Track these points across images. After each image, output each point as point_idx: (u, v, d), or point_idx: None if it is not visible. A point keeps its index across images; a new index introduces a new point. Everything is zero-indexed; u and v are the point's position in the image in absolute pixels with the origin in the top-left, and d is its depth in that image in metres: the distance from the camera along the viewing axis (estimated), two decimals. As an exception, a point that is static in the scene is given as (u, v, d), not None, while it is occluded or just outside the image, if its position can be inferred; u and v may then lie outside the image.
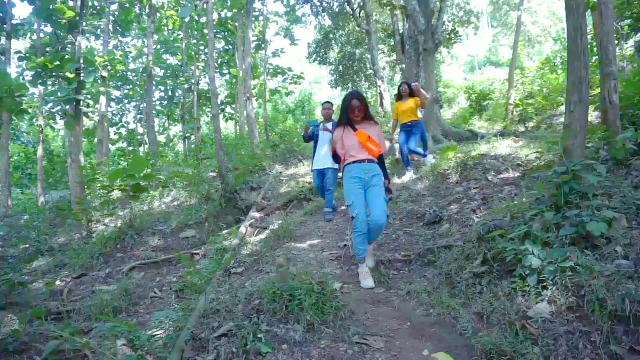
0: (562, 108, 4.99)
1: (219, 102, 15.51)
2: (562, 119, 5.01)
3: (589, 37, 6.30)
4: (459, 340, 2.87)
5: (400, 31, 15.41)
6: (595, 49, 6.20)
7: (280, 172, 10.63)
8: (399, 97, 7.58)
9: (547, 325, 2.65)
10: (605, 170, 3.73)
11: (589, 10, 5.68)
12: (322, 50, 21.93)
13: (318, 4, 18.97)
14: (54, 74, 8.81)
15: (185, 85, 18.32)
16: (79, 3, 9.01)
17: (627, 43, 9.86)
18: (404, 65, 12.89)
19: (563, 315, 2.68)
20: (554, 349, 2.50)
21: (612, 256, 2.94)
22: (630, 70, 7.98)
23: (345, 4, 17.78)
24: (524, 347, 2.52)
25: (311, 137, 6.43)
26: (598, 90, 5.95)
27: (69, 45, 9.37)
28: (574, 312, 2.67)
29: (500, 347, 2.59)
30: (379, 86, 16.27)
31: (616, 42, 7.07)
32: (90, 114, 13.60)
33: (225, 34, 17.91)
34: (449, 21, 16.87)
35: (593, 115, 7.29)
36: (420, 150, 7.54)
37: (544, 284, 2.91)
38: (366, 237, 3.89)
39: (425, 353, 2.73)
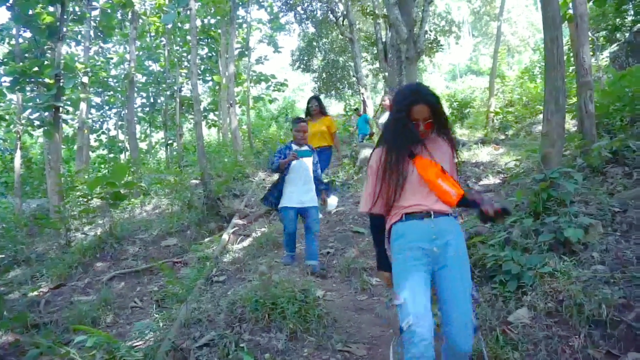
0: (541, 116, 5.12)
1: (201, 109, 15.40)
2: (540, 127, 5.13)
3: (565, 48, 6.48)
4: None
5: (383, 40, 15.58)
6: (572, 59, 6.36)
7: (264, 180, 10.58)
8: (308, 113, 6.33)
9: (527, 331, 2.69)
10: (582, 177, 3.83)
11: (566, 22, 5.85)
12: (306, 58, 22.03)
13: (302, 12, 19.08)
14: (32, 80, 8.64)
15: (168, 92, 18.15)
16: (59, 9, 8.88)
17: (602, 54, 10.15)
18: (386, 74, 13.02)
19: (542, 320, 2.72)
20: (533, 353, 2.54)
21: (589, 262, 3.01)
22: (606, 81, 8.20)
23: (329, 12, 17.92)
24: (504, 352, 2.56)
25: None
26: (575, 99, 6.10)
27: (49, 51, 9.21)
28: (553, 317, 2.72)
29: (482, 352, 2.61)
30: (362, 94, 16.39)
31: (592, 53, 7.27)
32: (70, 120, 13.38)
33: (209, 40, 17.82)
34: (431, 30, 17.14)
35: (570, 124, 7.47)
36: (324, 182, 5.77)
37: (524, 289, 2.96)
38: None
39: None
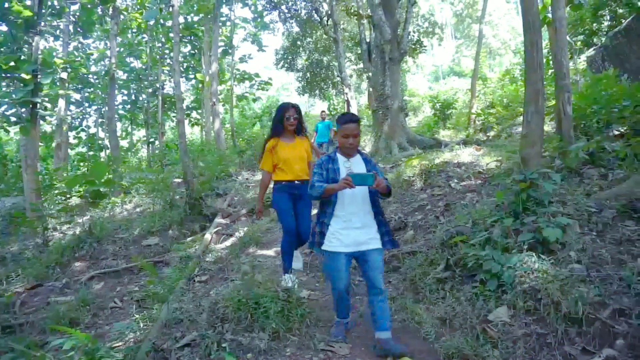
0: (522, 118, 5.22)
1: (184, 107, 15.24)
2: (521, 129, 5.22)
3: (545, 51, 6.60)
4: (422, 345, 2.92)
5: (367, 40, 15.63)
6: (551, 62, 6.50)
7: (247, 179, 10.53)
8: (278, 129, 3.96)
9: (506, 329, 2.73)
10: (560, 178, 3.90)
11: (545, 26, 5.97)
12: (290, 57, 21.97)
13: (286, 11, 19.02)
14: (8, 75, 8.42)
15: (150, 90, 17.92)
16: (36, 2, 8.67)
17: (580, 58, 10.39)
18: (370, 74, 13.08)
19: (521, 318, 2.77)
20: (512, 351, 2.58)
21: (567, 261, 3.07)
22: (583, 84, 8.40)
23: (313, 12, 17.91)
24: (484, 351, 2.60)
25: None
26: (554, 102, 6.23)
27: (26, 46, 8.99)
28: (532, 315, 2.77)
29: (462, 351, 2.66)
30: (346, 94, 16.44)
31: (570, 56, 7.44)
32: (48, 117, 13.07)
33: (192, 38, 17.65)
34: (415, 32, 17.29)
35: (549, 126, 7.62)
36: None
37: (504, 288, 3.01)
38: None
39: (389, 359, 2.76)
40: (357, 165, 2.88)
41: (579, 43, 10.72)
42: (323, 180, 2.82)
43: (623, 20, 9.30)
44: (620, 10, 9.88)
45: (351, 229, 2.81)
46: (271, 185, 4.04)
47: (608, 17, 10.41)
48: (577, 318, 2.59)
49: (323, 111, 13.89)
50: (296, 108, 3.92)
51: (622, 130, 5.68)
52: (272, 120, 3.98)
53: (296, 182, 3.86)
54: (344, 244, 2.81)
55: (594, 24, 10.70)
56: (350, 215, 2.82)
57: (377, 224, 2.87)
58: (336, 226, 2.83)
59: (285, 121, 3.82)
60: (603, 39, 9.91)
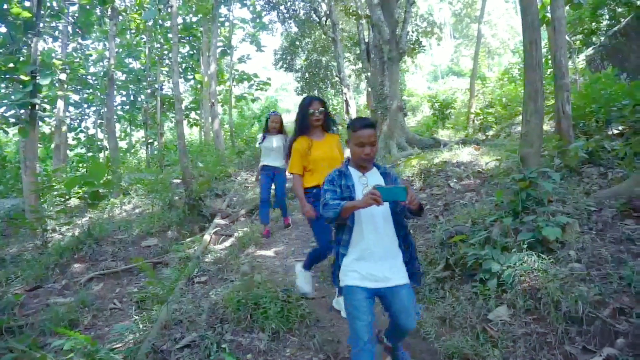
0: (521, 117, 5.22)
1: (183, 108, 15.23)
2: (520, 128, 5.23)
3: (544, 50, 6.60)
4: (422, 344, 2.92)
5: (366, 40, 15.63)
6: (550, 62, 6.50)
7: (246, 179, 10.52)
8: (305, 125, 3.55)
9: (506, 328, 2.73)
10: (559, 177, 3.91)
11: (544, 25, 5.98)
12: (289, 58, 21.96)
13: (285, 11, 19.00)
14: (7, 76, 8.40)
15: (148, 90, 17.88)
16: (35, 3, 8.65)
17: (579, 57, 10.39)
18: (369, 74, 13.08)
19: (521, 317, 2.77)
20: (512, 350, 2.58)
21: (566, 260, 3.07)
22: (582, 83, 8.40)
23: (312, 12, 17.90)
24: (484, 350, 2.59)
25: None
26: (553, 101, 6.23)
27: (25, 47, 8.97)
28: (532, 314, 2.77)
29: (462, 350, 2.65)
30: (345, 94, 16.45)
31: (569, 56, 7.43)
32: (47, 118, 13.06)
33: (190, 38, 17.62)
34: (413, 32, 17.26)
35: (548, 125, 7.62)
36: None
37: (504, 287, 3.00)
38: None
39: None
40: (375, 181, 2.32)
41: (578, 42, 10.71)
42: (338, 198, 2.26)
43: (622, 20, 9.31)
44: (619, 10, 9.88)
45: (371, 260, 2.23)
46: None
47: (607, 16, 10.41)
48: (578, 317, 2.59)
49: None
50: (321, 101, 3.52)
51: (622, 129, 5.69)
52: (296, 118, 3.56)
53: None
54: (363, 277, 2.22)
55: (593, 23, 10.70)
56: (370, 242, 2.23)
57: (403, 251, 2.32)
58: (353, 256, 2.27)
59: (310, 117, 3.42)
60: (602, 38, 9.92)
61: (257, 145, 5.98)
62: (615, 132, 5.71)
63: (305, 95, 4.06)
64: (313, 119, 3.44)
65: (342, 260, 2.30)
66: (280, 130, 5.83)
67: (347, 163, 2.42)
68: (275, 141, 5.75)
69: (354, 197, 2.25)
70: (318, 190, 3.23)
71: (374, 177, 2.37)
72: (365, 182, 2.32)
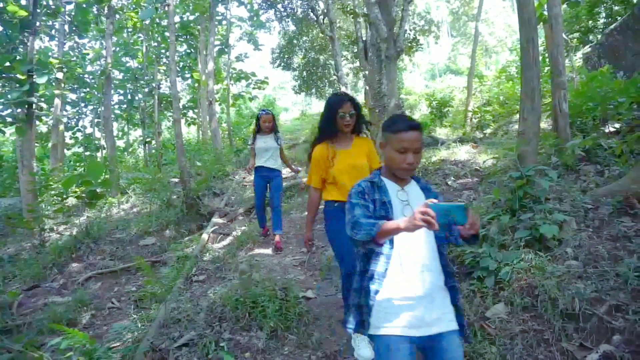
0: (518, 115, 5.23)
1: (180, 107, 15.20)
2: (517, 126, 5.24)
3: (541, 49, 6.61)
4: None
5: (364, 38, 15.63)
6: (547, 60, 6.51)
7: (244, 178, 10.52)
8: (332, 130, 3.02)
9: (504, 325, 2.74)
10: (557, 175, 3.92)
11: (541, 23, 5.98)
12: (286, 56, 21.92)
13: (282, 9, 18.96)
14: (4, 75, 8.36)
15: (146, 89, 17.85)
16: (32, 2, 8.62)
17: (576, 55, 10.41)
18: (367, 72, 13.08)
19: (519, 315, 2.78)
20: (510, 348, 2.59)
21: (563, 257, 3.09)
22: (579, 81, 8.42)
23: (309, 10, 17.87)
24: (482, 347, 2.60)
25: None
26: (550, 99, 6.25)
27: (21, 46, 8.94)
28: (529, 311, 2.78)
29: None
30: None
31: (566, 54, 7.45)
32: (44, 117, 13.01)
33: (188, 37, 17.59)
34: (411, 30, 17.26)
35: (545, 123, 7.64)
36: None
37: (501, 285, 3.02)
38: None
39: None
40: (416, 198, 1.86)
41: (575, 40, 10.74)
42: (373, 216, 1.75)
43: (619, 18, 9.33)
44: (616, 8, 9.91)
45: (413, 300, 1.71)
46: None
47: (604, 14, 10.44)
48: (574, 314, 2.60)
49: None
50: (353, 102, 2.92)
51: (618, 126, 5.71)
52: (321, 119, 2.98)
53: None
54: (405, 322, 1.69)
55: (590, 21, 10.73)
56: (414, 275, 1.73)
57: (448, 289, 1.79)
58: (389, 293, 1.72)
59: (339, 120, 2.85)
60: (599, 36, 9.94)
61: (248, 146, 5.67)
62: (612, 129, 5.73)
63: (334, 92, 3.40)
64: (343, 124, 2.86)
65: (373, 299, 1.73)
66: (273, 129, 5.57)
67: (379, 172, 1.94)
68: (269, 141, 5.49)
69: (390, 217, 1.74)
70: (339, 207, 2.78)
71: (414, 192, 1.89)
72: (404, 197, 1.85)
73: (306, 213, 3.13)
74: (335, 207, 2.87)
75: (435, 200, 1.54)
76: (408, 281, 1.72)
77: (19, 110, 8.58)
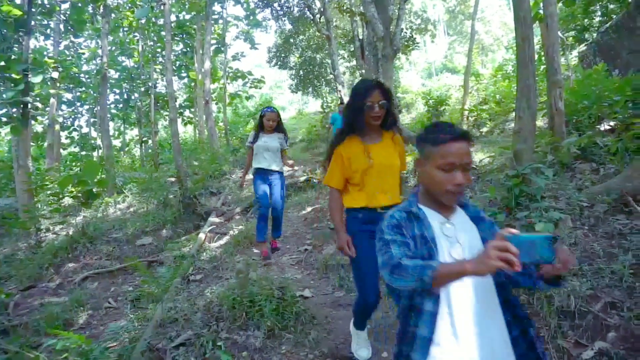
0: (514, 114, 5.25)
1: (177, 106, 15.17)
2: (513, 125, 5.26)
3: (536, 47, 6.63)
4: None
5: (360, 37, 15.64)
6: (543, 58, 6.53)
7: (241, 177, 10.51)
8: (357, 124, 2.51)
9: (500, 323, 2.75)
10: (552, 173, 3.94)
11: (537, 22, 6.00)
12: (283, 55, 21.91)
13: (278, 8, 18.95)
14: (-1, 74, 8.33)
15: (142, 88, 17.81)
16: (26, 1, 8.58)
17: (571, 53, 10.45)
18: (363, 71, 13.09)
19: (514, 312, 2.79)
20: (506, 345, 2.60)
21: (559, 255, 3.09)
22: (575, 79, 8.45)
23: (306, 9, 17.87)
24: (478, 345, 2.61)
25: None
26: (546, 97, 6.27)
27: (16, 45, 8.90)
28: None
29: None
30: (340, 91, 16.42)
31: (561, 52, 7.48)
32: (39, 117, 12.97)
33: (184, 36, 17.55)
34: (407, 28, 17.26)
35: (541, 121, 7.66)
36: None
37: (497, 283, 3.02)
38: None
39: (384, 355, 2.77)
40: (465, 231, 1.43)
41: (570, 39, 10.78)
42: (418, 256, 1.35)
43: (614, 16, 9.36)
44: (612, 6, 9.94)
45: None
46: None
47: (599, 13, 10.47)
48: (570, 311, 2.61)
49: (341, 103, 12.05)
50: (383, 89, 2.43)
51: (613, 125, 5.73)
52: (345, 110, 2.54)
53: (379, 210, 2.37)
54: None
55: (586, 20, 10.77)
56: (470, 336, 1.29)
57: (514, 342, 1.32)
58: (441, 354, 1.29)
59: (368, 111, 2.36)
60: (594, 35, 9.97)
61: (246, 144, 5.16)
62: (607, 127, 5.75)
63: (359, 79, 2.85)
64: (371, 115, 2.37)
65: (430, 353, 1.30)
66: (278, 128, 5.06)
67: (417, 199, 1.50)
68: (272, 140, 4.95)
69: (434, 257, 1.34)
70: (368, 213, 2.39)
71: (464, 225, 1.44)
72: (452, 232, 1.40)
73: (328, 216, 2.80)
74: (360, 219, 2.42)
75: (514, 231, 1.11)
76: (462, 341, 1.28)
77: (14, 109, 8.53)
